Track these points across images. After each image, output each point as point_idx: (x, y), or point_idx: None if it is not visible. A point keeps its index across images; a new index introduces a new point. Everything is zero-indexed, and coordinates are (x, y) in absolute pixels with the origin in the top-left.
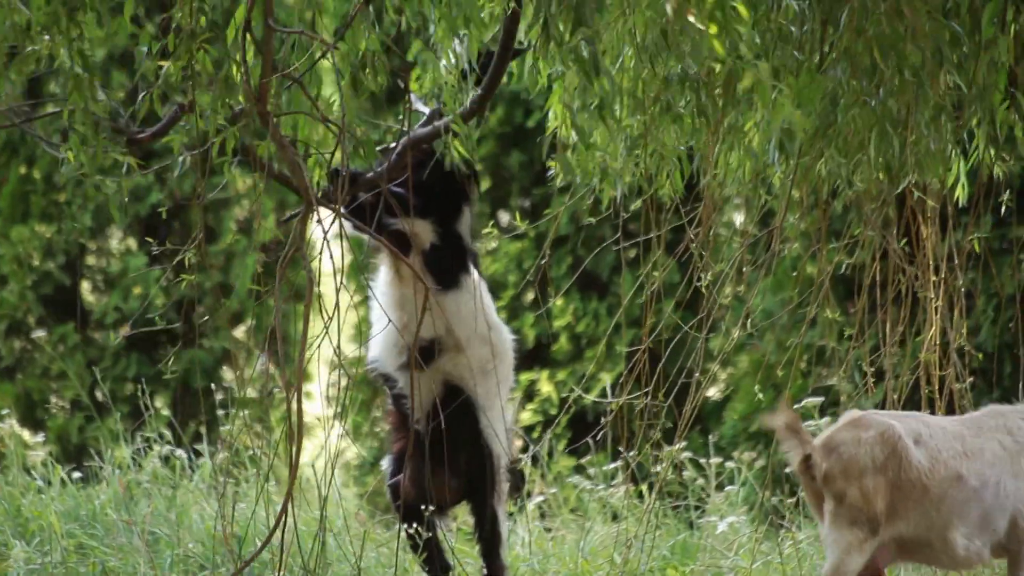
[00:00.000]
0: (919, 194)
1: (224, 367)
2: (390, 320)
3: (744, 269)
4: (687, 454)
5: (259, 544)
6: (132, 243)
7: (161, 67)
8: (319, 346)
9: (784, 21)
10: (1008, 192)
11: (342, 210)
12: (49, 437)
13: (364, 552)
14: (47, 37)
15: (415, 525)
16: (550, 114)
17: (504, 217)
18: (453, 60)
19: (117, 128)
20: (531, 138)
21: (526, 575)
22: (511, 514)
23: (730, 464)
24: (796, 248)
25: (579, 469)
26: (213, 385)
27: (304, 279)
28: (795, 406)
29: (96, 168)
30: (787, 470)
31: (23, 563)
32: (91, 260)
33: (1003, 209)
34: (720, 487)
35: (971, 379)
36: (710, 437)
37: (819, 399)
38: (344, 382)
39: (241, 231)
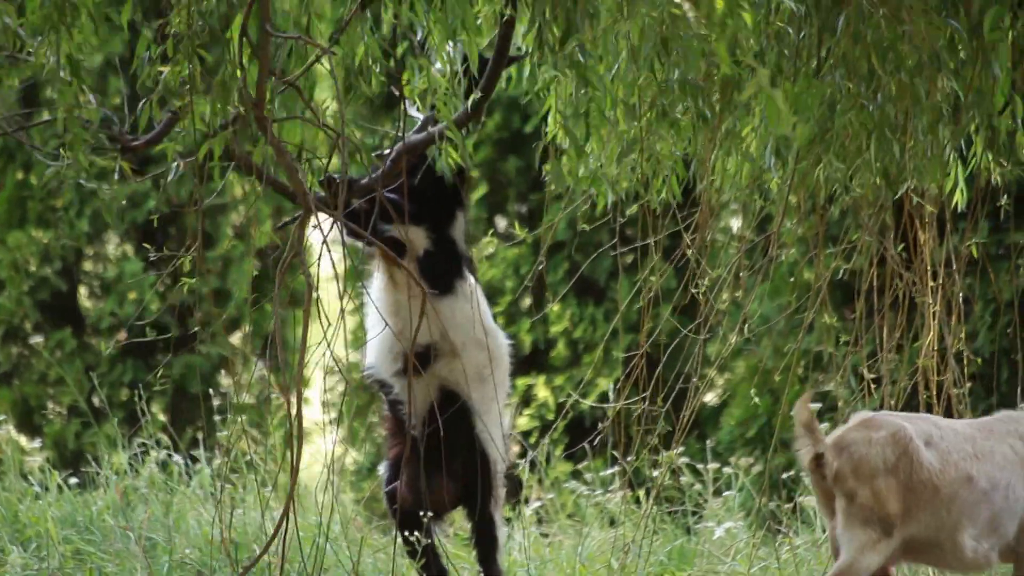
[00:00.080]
0: (917, 199)
1: (221, 372)
2: (387, 324)
3: (741, 274)
4: (684, 459)
5: (257, 549)
6: (129, 249)
7: (161, 72)
8: (322, 353)
9: (782, 24)
10: (1006, 197)
11: (335, 218)
12: (46, 443)
13: (361, 558)
14: (41, 38)
15: (412, 531)
16: (549, 119)
17: (501, 223)
18: (447, 65)
19: (112, 136)
20: (528, 143)
21: None
22: (508, 520)
23: (727, 470)
24: (793, 254)
25: (576, 474)
26: (211, 391)
27: (302, 284)
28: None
29: (82, 174)
30: (785, 475)
31: (20, 569)
32: (88, 266)
33: (1002, 214)
34: (717, 492)
35: (968, 384)
36: (707, 442)
37: (816, 405)
38: (342, 388)
39: (238, 236)
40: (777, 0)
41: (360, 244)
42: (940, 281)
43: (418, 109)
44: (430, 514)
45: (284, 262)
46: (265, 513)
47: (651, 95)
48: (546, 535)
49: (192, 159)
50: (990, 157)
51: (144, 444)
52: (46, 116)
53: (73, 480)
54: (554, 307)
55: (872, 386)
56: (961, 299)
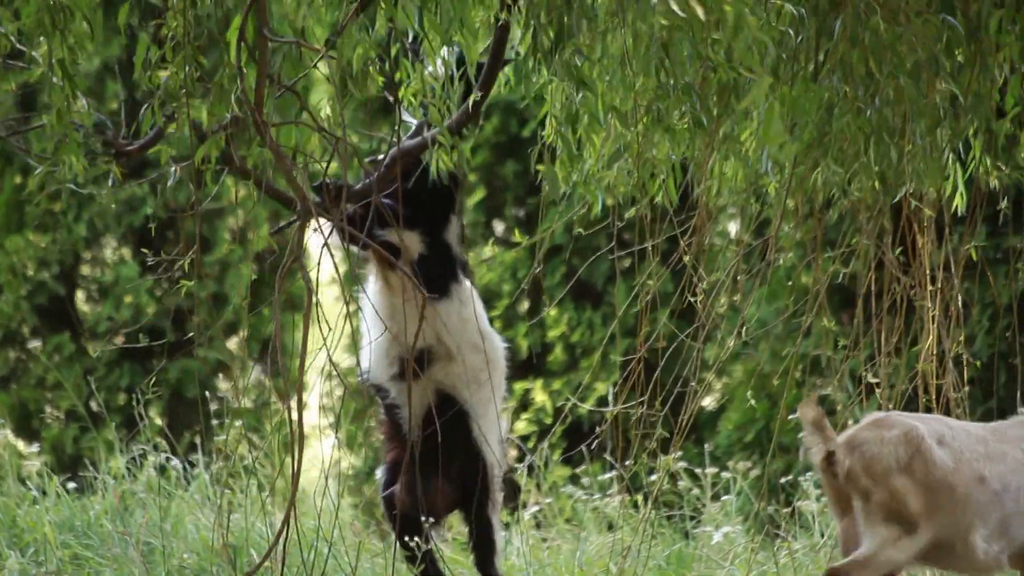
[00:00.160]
0: (915, 203)
1: (219, 376)
2: (386, 328)
3: (739, 278)
4: (682, 464)
5: (255, 554)
6: (126, 253)
7: (161, 77)
8: (323, 358)
9: (783, 28)
10: (1005, 201)
11: (328, 222)
12: (44, 447)
13: (359, 563)
14: (34, 42)
15: (411, 536)
16: (546, 123)
17: (499, 226)
18: (440, 68)
19: (106, 140)
20: (526, 147)
21: None
22: (506, 524)
23: (725, 474)
24: (791, 258)
25: (574, 479)
26: (208, 395)
27: (300, 288)
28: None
29: (76, 178)
30: (783, 480)
31: (18, 574)
32: (86, 270)
33: (1001, 218)
34: (716, 497)
35: (966, 389)
36: (705, 447)
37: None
38: (339, 392)
39: (235, 241)
40: (779, 5)
41: (355, 248)
42: (939, 285)
43: (412, 114)
44: (430, 520)
45: (284, 267)
46: (264, 518)
47: (648, 100)
48: (544, 539)
49: (189, 163)
50: (988, 161)
51: (142, 448)
52: (43, 120)
53: (71, 484)
54: (551, 311)
55: (872, 390)
56: (960, 303)
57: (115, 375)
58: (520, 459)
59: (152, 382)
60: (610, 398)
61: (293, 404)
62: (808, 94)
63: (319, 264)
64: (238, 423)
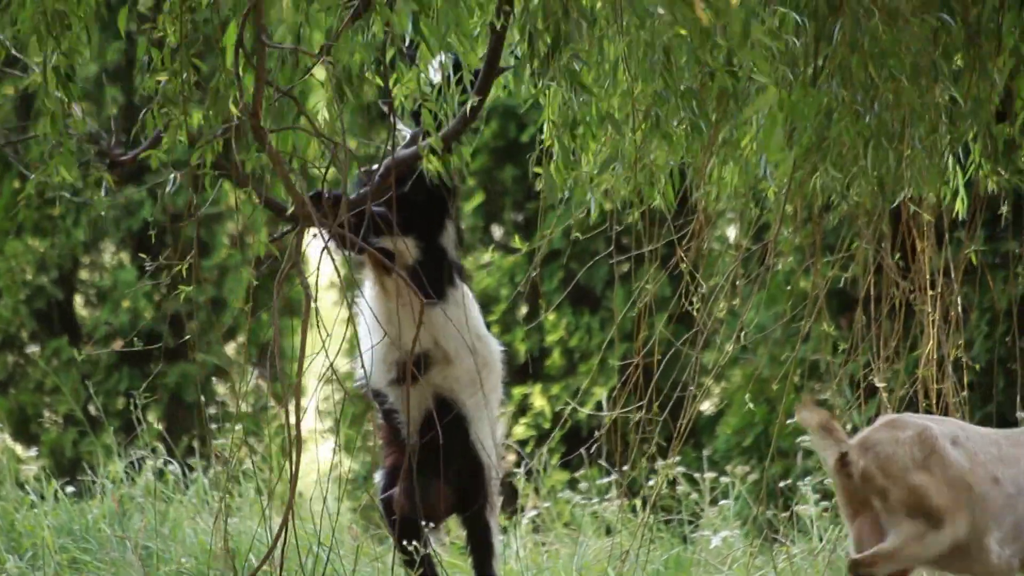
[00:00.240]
0: (914, 208)
1: (217, 380)
2: (386, 333)
3: (738, 283)
4: (681, 468)
5: (253, 558)
6: (125, 257)
7: (159, 81)
8: (320, 362)
9: (788, 35)
10: (1006, 206)
11: (325, 231)
12: (42, 451)
13: (358, 567)
14: (29, 48)
15: (410, 540)
16: (545, 128)
17: (497, 231)
18: (434, 73)
19: (100, 150)
20: (524, 152)
21: None
22: (504, 529)
23: (724, 478)
24: (790, 262)
25: (572, 483)
26: (204, 399)
27: (298, 293)
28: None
29: (71, 187)
30: (781, 484)
31: None
32: (84, 275)
33: (1002, 222)
34: (714, 501)
35: (965, 393)
36: (704, 451)
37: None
38: (338, 396)
39: (234, 245)
40: (782, 13)
41: (350, 252)
42: (939, 290)
43: (406, 123)
44: (430, 524)
45: (282, 272)
46: (262, 522)
47: (646, 105)
48: (543, 544)
49: (187, 169)
50: (987, 166)
51: (141, 453)
52: (38, 132)
53: (69, 489)
54: (550, 316)
55: (871, 394)
56: (960, 308)
57: (114, 379)
58: (518, 463)
59: (149, 386)
60: (603, 403)
61: (291, 408)
62: (807, 99)
63: (318, 269)
64: (237, 427)
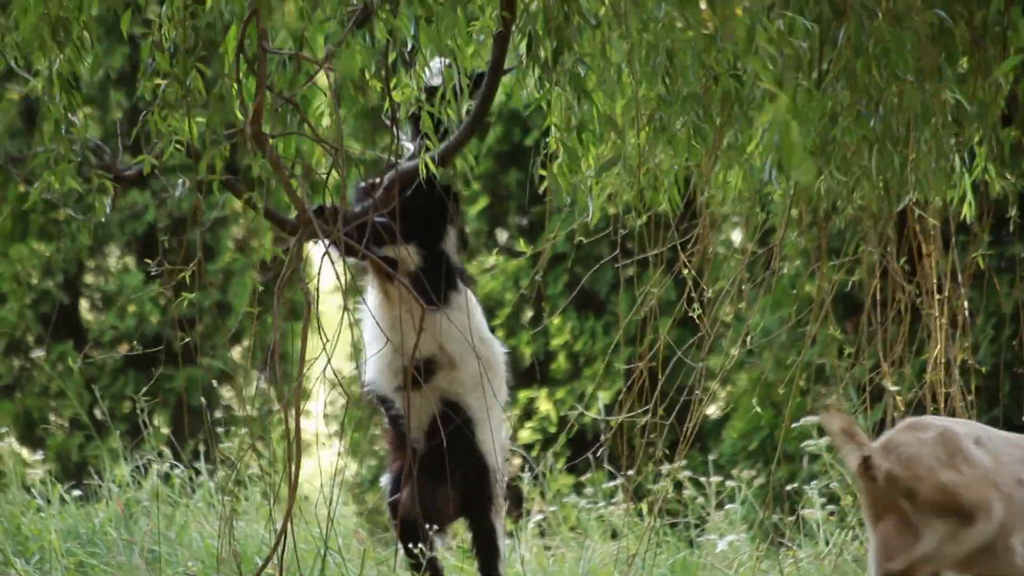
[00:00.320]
0: (919, 212)
1: (225, 384)
2: (388, 340)
3: (743, 287)
4: (687, 472)
5: (259, 562)
6: (130, 261)
7: (159, 85)
8: (323, 366)
9: (797, 40)
10: (1015, 210)
11: (326, 240)
12: (48, 455)
13: (364, 570)
14: (32, 54)
15: (414, 542)
16: (552, 131)
17: (502, 235)
18: (435, 79)
19: (103, 165)
20: (529, 156)
21: None
22: (510, 533)
23: (730, 482)
24: (797, 266)
25: (578, 487)
26: (207, 402)
27: (303, 297)
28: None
29: (72, 195)
30: (788, 488)
31: None
32: (89, 278)
33: (1011, 225)
34: (720, 505)
35: (971, 398)
36: (710, 455)
37: (814, 418)
38: (343, 401)
39: (239, 249)
40: (789, 18)
41: (353, 259)
42: (947, 294)
43: (407, 131)
44: (435, 528)
45: (282, 278)
46: (268, 526)
47: (650, 109)
48: (548, 548)
49: (193, 174)
50: (992, 169)
51: (147, 457)
52: (39, 147)
53: (76, 492)
54: (554, 320)
55: (877, 398)
56: (967, 312)
57: (120, 383)
58: (524, 467)
59: (152, 390)
60: (601, 407)
61: (292, 414)
62: (811, 103)
63: (319, 273)
64: (243, 431)
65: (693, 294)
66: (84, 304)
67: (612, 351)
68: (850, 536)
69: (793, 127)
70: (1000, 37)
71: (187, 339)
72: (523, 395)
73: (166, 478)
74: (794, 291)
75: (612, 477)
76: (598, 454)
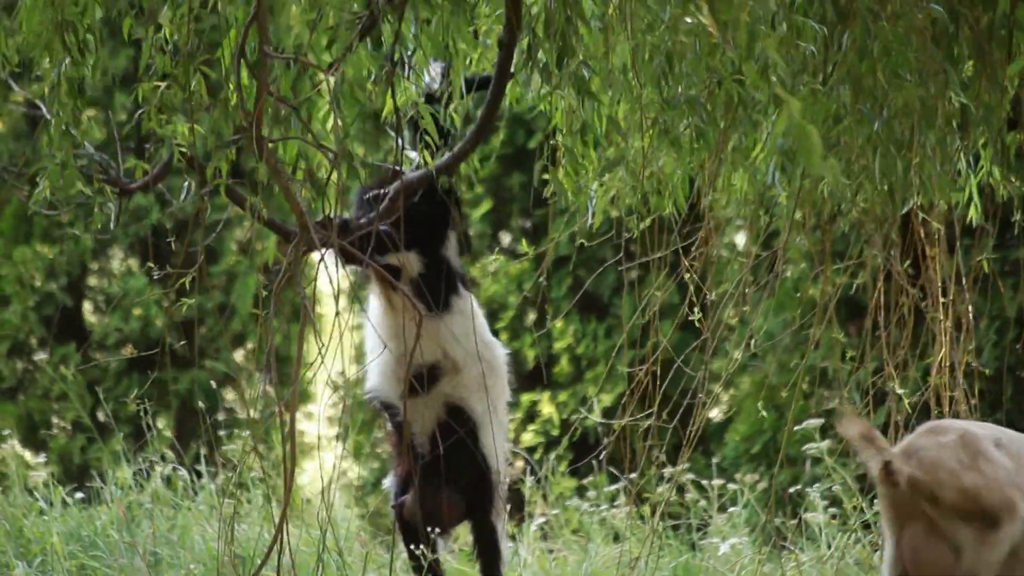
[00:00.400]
0: (923, 216)
1: (228, 387)
2: (388, 348)
3: (747, 290)
4: (689, 475)
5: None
6: (133, 263)
7: (157, 87)
8: (322, 368)
9: (804, 44)
10: (1020, 214)
11: (325, 250)
12: (51, 458)
13: (366, 573)
14: (34, 58)
15: (417, 544)
16: (558, 134)
17: (505, 238)
18: (430, 80)
19: (108, 179)
20: (532, 159)
21: None
22: (513, 536)
23: (732, 486)
24: (802, 269)
25: (581, 490)
26: (210, 405)
27: (308, 299)
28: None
29: (75, 199)
30: (790, 491)
31: None
32: (93, 281)
33: (1016, 229)
34: (722, 508)
35: (974, 401)
36: (712, 458)
37: (819, 421)
38: (345, 404)
39: (242, 252)
40: (799, 21)
41: (355, 266)
42: (951, 297)
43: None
44: (437, 531)
45: (279, 282)
46: (269, 528)
47: (654, 112)
48: (551, 551)
49: (197, 176)
50: (997, 173)
51: (149, 459)
52: (45, 164)
53: (78, 495)
54: (558, 323)
55: (881, 402)
56: (971, 315)
57: (123, 385)
58: (526, 470)
59: (151, 393)
60: (597, 409)
61: (289, 416)
62: (815, 106)
63: (315, 277)
64: (245, 434)
65: (695, 299)
66: (88, 306)
67: (615, 354)
68: (852, 540)
69: (811, 131)
70: (1006, 40)
71: (184, 343)
72: (526, 398)
73: (168, 481)
74: (797, 294)
75: (614, 480)
76: (600, 457)
